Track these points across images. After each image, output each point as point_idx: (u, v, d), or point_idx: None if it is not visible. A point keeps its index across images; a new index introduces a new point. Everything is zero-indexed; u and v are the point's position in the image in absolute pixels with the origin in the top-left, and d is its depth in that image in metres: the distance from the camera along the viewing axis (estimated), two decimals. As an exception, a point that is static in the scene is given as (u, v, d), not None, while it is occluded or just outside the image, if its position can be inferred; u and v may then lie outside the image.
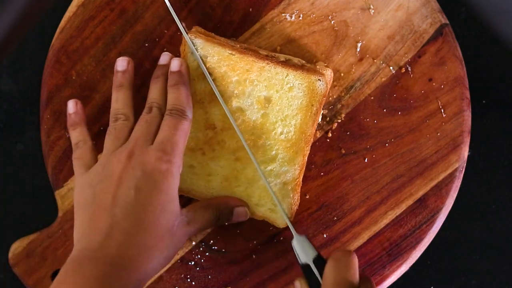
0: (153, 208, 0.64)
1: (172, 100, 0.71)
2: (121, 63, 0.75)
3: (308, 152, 0.77)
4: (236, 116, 0.76)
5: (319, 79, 0.75)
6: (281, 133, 0.76)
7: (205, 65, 0.75)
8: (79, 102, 0.77)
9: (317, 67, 0.77)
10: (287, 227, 0.78)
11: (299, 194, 0.77)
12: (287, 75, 0.75)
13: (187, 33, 0.74)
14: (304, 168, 0.77)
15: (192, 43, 0.74)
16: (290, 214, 0.77)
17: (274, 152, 0.76)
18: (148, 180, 0.65)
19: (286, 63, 0.75)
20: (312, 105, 0.76)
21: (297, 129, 0.76)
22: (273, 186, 0.77)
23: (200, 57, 0.74)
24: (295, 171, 0.77)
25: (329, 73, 0.76)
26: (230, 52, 0.75)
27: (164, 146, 0.67)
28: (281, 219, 0.77)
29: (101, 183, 0.67)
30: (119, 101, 0.73)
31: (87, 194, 0.67)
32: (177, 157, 0.68)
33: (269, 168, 0.77)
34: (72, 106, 0.76)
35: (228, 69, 0.75)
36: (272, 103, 0.76)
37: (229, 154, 0.76)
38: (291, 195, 0.77)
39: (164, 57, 0.75)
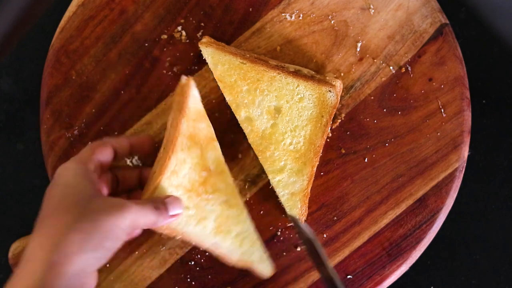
0: None
1: None
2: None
3: (317, 163, 0.77)
4: (244, 126, 0.76)
5: (329, 91, 0.75)
6: (290, 144, 0.76)
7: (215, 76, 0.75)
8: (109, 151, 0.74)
9: (327, 78, 0.77)
10: (288, 226, 0.79)
11: (307, 205, 0.78)
12: (298, 85, 0.75)
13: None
14: (313, 179, 0.77)
15: (204, 52, 0.75)
16: None
17: (282, 162, 0.76)
18: None
19: (297, 74, 0.75)
20: (322, 116, 0.76)
21: (307, 140, 0.76)
22: (281, 197, 0.77)
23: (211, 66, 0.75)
24: (303, 182, 0.77)
25: (338, 84, 0.76)
26: (241, 61, 0.75)
27: None
28: (267, 269, 0.76)
29: None
30: None
31: None
32: None
33: (277, 178, 0.76)
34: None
35: (238, 78, 0.75)
36: (282, 113, 0.76)
37: (221, 199, 0.73)
38: (299, 206, 0.77)
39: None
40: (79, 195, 0.65)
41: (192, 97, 0.70)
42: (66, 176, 0.67)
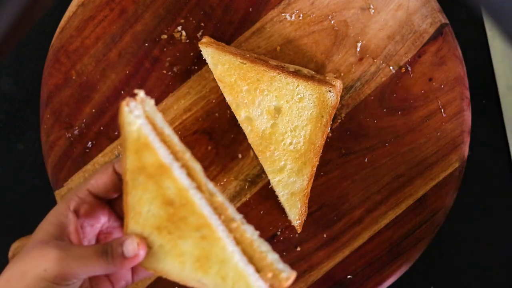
0: None
1: None
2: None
3: (317, 163, 0.77)
4: (244, 126, 0.76)
5: (329, 91, 0.75)
6: (290, 144, 0.76)
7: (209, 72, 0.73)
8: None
9: (327, 78, 0.77)
10: (288, 226, 0.79)
11: (307, 205, 0.78)
12: (298, 85, 0.75)
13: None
14: (313, 179, 0.77)
15: (204, 52, 0.74)
16: (298, 225, 0.78)
17: (282, 162, 0.76)
18: None
19: (297, 74, 0.75)
20: (322, 116, 0.76)
21: (307, 140, 0.76)
22: (281, 197, 0.77)
23: (211, 66, 0.73)
24: (303, 182, 0.76)
25: (338, 84, 0.76)
26: (241, 61, 0.75)
27: None
28: None
29: None
30: None
31: None
32: None
33: (277, 178, 0.76)
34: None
35: (238, 78, 0.75)
36: (282, 113, 0.76)
37: (194, 232, 0.64)
38: (299, 206, 0.77)
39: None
40: (34, 237, 0.63)
41: (128, 125, 0.61)
42: (47, 216, 0.64)
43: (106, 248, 0.62)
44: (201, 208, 0.61)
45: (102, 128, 0.81)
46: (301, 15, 0.79)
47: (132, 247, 0.62)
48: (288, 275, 0.58)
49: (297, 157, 0.76)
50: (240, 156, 0.80)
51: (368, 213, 0.79)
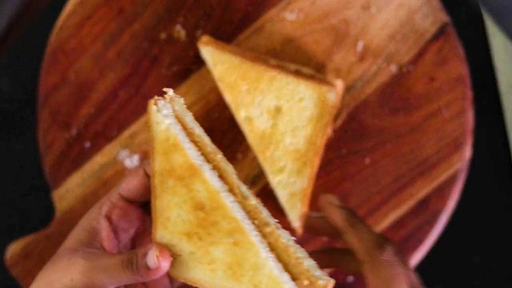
0: None
1: None
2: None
3: (318, 163, 0.76)
4: (244, 126, 0.76)
5: (330, 90, 0.75)
6: (290, 144, 0.76)
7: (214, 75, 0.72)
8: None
9: (328, 77, 0.77)
10: (288, 227, 0.78)
11: (307, 205, 0.77)
12: (298, 85, 0.75)
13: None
14: (313, 180, 0.77)
15: (203, 52, 0.74)
16: (298, 227, 0.78)
17: (282, 163, 0.76)
18: None
19: (297, 73, 0.75)
20: (323, 116, 0.75)
21: (307, 140, 0.76)
22: (281, 198, 0.77)
23: (210, 65, 0.73)
24: (303, 183, 0.76)
25: (339, 84, 0.76)
26: (240, 60, 0.75)
27: None
28: None
29: None
30: None
31: None
32: None
33: (277, 179, 0.76)
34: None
35: (238, 78, 0.75)
36: (282, 113, 0.76)
37: (226, 237, 0.62)
38: (299, 207, 0.77)
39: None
40: (65, 244, 0.62)
41: (156, 125, 0.59)
42: (80, 221, 0.63)
43: (132, 258, 0.60)
44: (233, 212, 0.59)
45: (100, 128, 0.81)
46: (302, 14, 0.79)
47: (159, 257, 0.59)
48: (326, 282, 0.56)
49: (297, 157, 0.76)
50: (239, 156, 0.80)
51: (369, 214, 0.79)
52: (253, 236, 0.59)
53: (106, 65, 0.80)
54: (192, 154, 0.59)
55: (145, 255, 0.59)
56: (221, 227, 0.61)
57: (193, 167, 0.59)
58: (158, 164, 0.60)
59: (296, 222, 0.78)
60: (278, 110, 0.76)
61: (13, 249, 0.81)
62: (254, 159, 0.79)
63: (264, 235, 0.59)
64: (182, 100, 0.60)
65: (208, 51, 0.75)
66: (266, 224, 0.59)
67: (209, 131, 0.80)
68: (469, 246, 0.84)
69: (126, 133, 0.80)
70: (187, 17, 0.80)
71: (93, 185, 0.81)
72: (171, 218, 0.61)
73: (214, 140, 0.80)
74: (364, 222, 0.60)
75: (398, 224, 0.79)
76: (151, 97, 0.79)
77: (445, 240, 0.83)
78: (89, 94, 0.81)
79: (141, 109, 0.80)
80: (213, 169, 0.60)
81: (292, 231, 0.80)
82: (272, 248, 0.59)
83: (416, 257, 0.79)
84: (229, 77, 0.75)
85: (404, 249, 0.79)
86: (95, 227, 0.62)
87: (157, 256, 0.59)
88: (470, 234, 0.84)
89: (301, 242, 0.79)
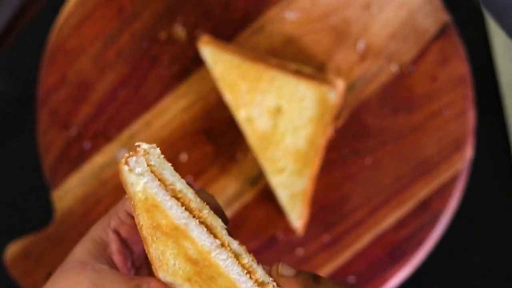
0: None
1: None
2: None
3: (318, 164, 0.76)
4: (244, 126, 0.76)
5: (331, 90, 0.75)
6: (291, 144, 0.76)
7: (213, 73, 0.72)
8: None
9: (328, 77, 0.76)
10: (288, 228, 0.78)
11: (308, 206, 0.77)
12: (299, 85, 0.75)
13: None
14: (314, 180, 0.77)
15: (203, 51, 0.74)
16: (299, 227, 0.77)
17: (283, 163, 0.76)
18: None
19: (297, 73, 0.75)
20: (323, 116, 0.75)
21: (307, 140, 0.75)
22: (281, 198, 0.76)
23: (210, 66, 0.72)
24: (304, 183, 0.76)
25: (340, 84, 0.76)
26: (240, 60, 0.75)
27: None
28: None
29: None
30: None
31: None
32: None
33: (277, 179, 0.76)
34: None
35: (238, 77, 0.75)
36: (282, 113, 0.75)
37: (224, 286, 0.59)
38: (300, 207, 0.77)
39: None
40: (74, 254, 0.60)
41: (131, 186, 0.54)
42: (89, 231, 0.61)
43: (139, 285, 0.58)
44: (227, 271, 0.55)
45: (100, 128, 0.81)
46: (302, 14, 0.79)
47: None
48: None
49: (297, 157, 0.76)
50: (239, 156, 0.80)
51: (369, 214, 0.79)
52: None
53: (105, 65, 0.80)
54: (175, 214, 0.54)
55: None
56: (218, 283, 0.57)
57: (178, 228, 0.54)
58: (142, 219, 0.55)
59: (296, 222, 0.78)
60: (278, 110, 0.76)
61: (13, 249, 0.81)
62: (254, 159, 0.79)
63: None
64: (158, 151, 0.54)
65: (208, 51, 0.75)
66: (263, 283, 0.55)
67: (209, 131, 0.81)
68: (470, 246, 0.84)
69: (126, 133, 0.80)
70: (187, 16, 0.80)
71: (92, 185, 0.81)
72: (169, 265, 0.58)
73: (214, 140, 0.80)
74: (328, 281, 0.57)
75: (399, 224, 0.79)
76: (151, 97, 0.80)
77: (446, 241, 0.83)
78: (88, 94, 0.81)
79: (141, 109, 0.80)
80: (200, 224, 0.55)
81: (292, 232, 0.80)
82: None
83: (417, 258, 0.79)
84: (229, 77, 0.75)
85: (405, 250, 0.79)
86: (104, 239, 0.60)
87: None
88: (471, 234, 0.84)
89: (301, 242, 0.79)
